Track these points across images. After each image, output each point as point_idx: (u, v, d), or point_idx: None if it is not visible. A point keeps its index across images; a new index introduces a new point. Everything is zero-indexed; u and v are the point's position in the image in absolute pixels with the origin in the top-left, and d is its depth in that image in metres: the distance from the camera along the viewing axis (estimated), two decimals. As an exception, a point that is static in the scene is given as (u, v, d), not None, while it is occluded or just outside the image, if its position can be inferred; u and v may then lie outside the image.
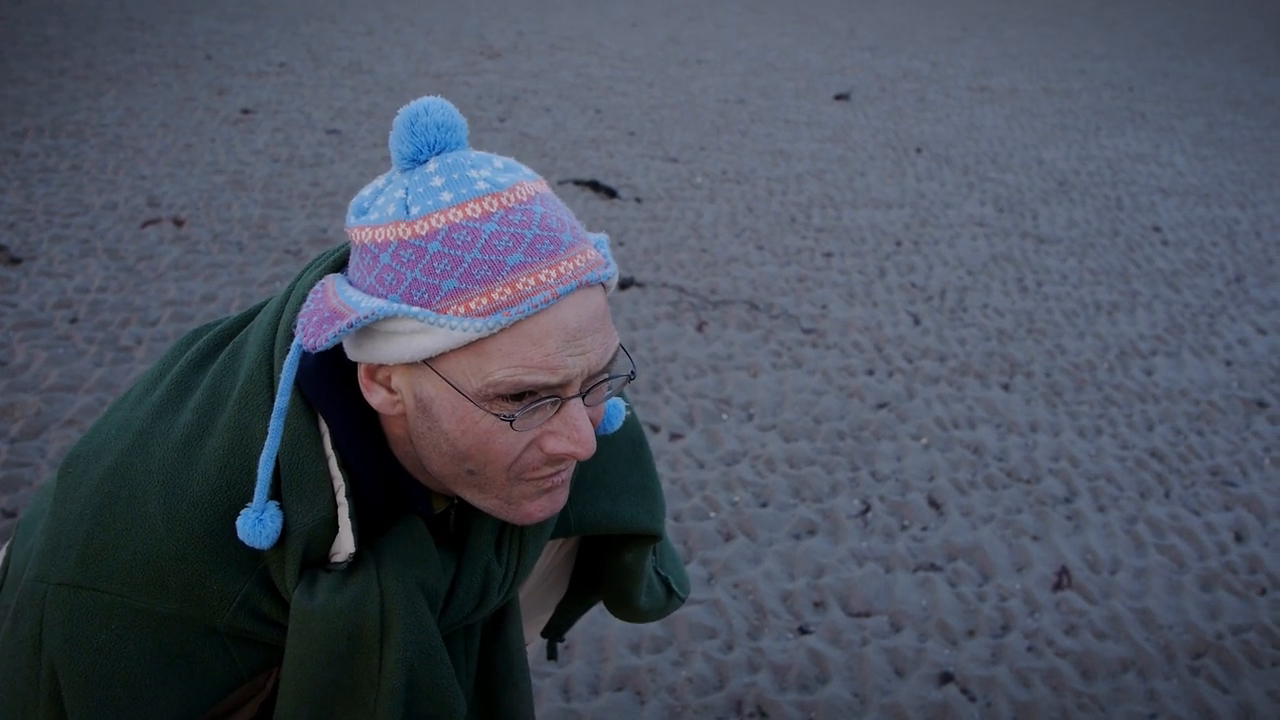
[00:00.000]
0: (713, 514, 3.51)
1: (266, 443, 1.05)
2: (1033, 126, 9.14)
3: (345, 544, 1.08)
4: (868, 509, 3.61)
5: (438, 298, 0.97)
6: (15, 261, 4.76)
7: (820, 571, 3.29)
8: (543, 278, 0.98)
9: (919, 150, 8.01)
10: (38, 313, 4.34)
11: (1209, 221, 7.01)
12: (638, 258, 5.37)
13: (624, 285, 5.02)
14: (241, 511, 1.05)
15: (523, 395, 1.01)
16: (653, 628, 2.98)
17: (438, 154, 1.03)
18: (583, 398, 1.04)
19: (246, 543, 1.05)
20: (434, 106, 1.03)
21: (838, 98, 9.43)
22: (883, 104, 9.39)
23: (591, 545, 1.48)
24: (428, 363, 1.01)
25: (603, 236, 1.12)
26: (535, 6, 12.64)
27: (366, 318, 0.98)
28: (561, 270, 1.00)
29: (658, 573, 1.50)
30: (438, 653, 1.14)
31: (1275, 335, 5.31)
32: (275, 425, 1.05)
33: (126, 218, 5.39)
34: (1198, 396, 4.59)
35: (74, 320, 4.31)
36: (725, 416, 4.08)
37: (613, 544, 1.40)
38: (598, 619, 2.98)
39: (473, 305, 0.97)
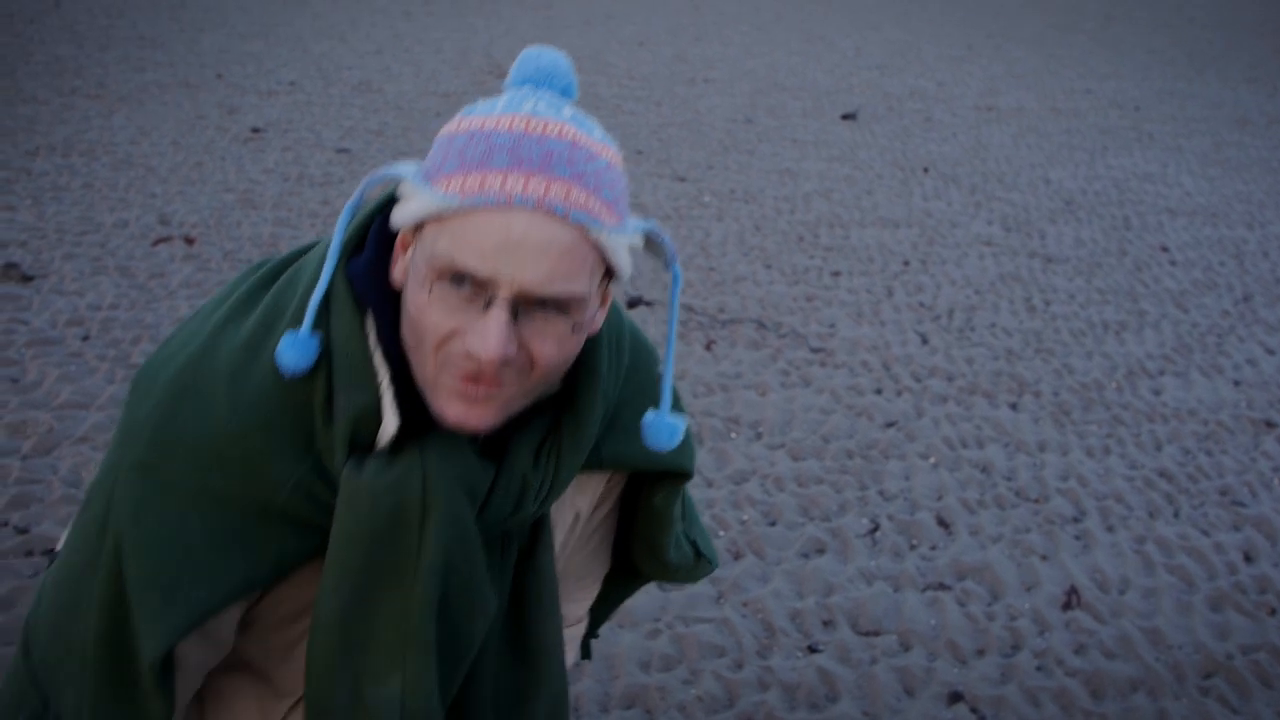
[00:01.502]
0: (721, 533, 3.52)
1: (319, 283, 1.17)
2: (1040, 146, 9.16)
3: (389, 425, 1.16)
4: (876, 528, 3.62)
5: (435, 174, 1.11)
6: (28, 279, 4.79)
7: (829, 590, 3.29)
8: (510, 184, 1.08)
9: (926, 169, 8.03)
10: (50, 330, 4.37)
11: (1217, 241, 7.02)
12: (646, 276, 5.38)
13: (632, 304, 5.03)
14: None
15: (462, 281, 1.09)
16: (662, 645, 2.99)
17: (535, 88, 1.16)
18: (515, 315, 1.10)
19: (281, 364, 1.15)
20: (544, 53, 1.17)
21: (845, 117, 9.46)
22: (890, 123, 9.42)
23: (627, 509, 1.52)
24: (416, 230, 1.13)
25: (650, 223, 1.18)
26: (543, 26, 12.70)
27: (380, 176, 1.14)
28: (532, 188, 1.08)
29: (686, 536, 1.54)
30: (473, 544, 1.20)
31: (1283, 355, 5.32)
32: (328, 265, 1.17)
33: (138, 236, 5.42)
34: (1206, 416, 4.59)
35: (86, 338, 4.33)
36: (734, 435, 4.09)
37: (644, 495, 1.46)
38: (608, 636, 2.99)
39: (451, 185, 1.09)
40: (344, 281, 1.17)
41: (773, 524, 3.58)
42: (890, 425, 4.27)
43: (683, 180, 7.18)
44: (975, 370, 4.80)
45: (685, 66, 10.72)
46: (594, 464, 1.33)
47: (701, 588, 3.22)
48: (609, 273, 1.18)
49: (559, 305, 1.11)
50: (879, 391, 4.53)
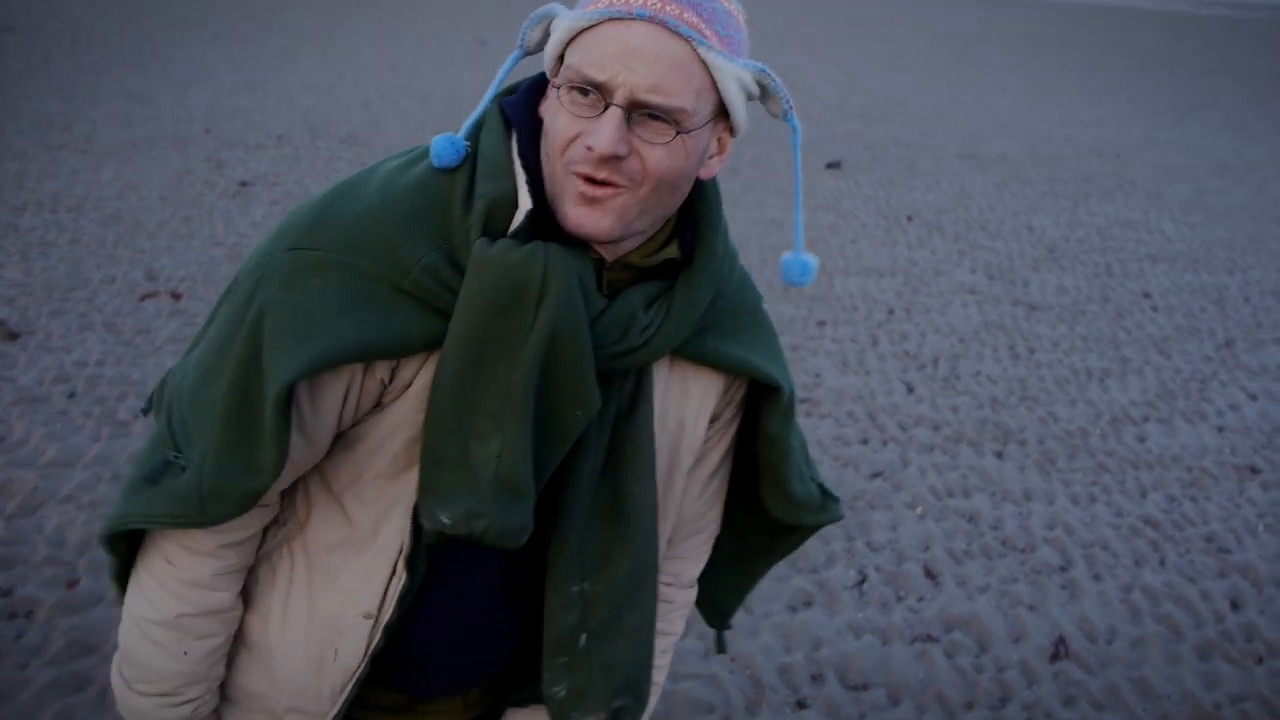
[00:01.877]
0: (709, 586, 3.51)
1: (477, 108, 1.38)
2: (1022, 194, 9.24)
3: (523, 208, 1.32)
4: (864, 579, 3.62)
5: (578, 5, 1.31)
6: (14, 336, 4.79)
7: (817, 644, 3.29)
8: (633, 2, 1.26)
9: (910, 218, 8.10)
10: (36, 388, 4.36)
11: (1198, 287, 7.08)
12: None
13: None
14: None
15: (587, 91, 1.26)
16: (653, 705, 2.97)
17: None
18: (629, 117, 1.25)
19: (435, 154, 1.34)
20: None
21: (829, 166, 9.54)
22: (874, 172, 9.50)
23: (746, 461, 1.61)
24: (559, 64, 1.31)
25: (763, 66, 1.34)
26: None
27: (539, 15, 1.33)
28: (650, 3, 1.26)
29: (811, 476, 1.62)
30: (581, 332, 1.31)
31: (1266, 400, 5.35)
32: (486, 96, 1.39)
33: (125, 291, 5.43)
34: (1190, 463, 4.61)
35: (72, 395, 4.33)
36: (721, 487, 4.09)
37: (760, 425, 1.54)
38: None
39: (587, 7, 1.28)
40: (497, 108, 1.38)
41: (760, 576, 3.58)
42: (877, 475, 4.28)
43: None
44: (961, 419, 4.82)
45: (670, 118, 10.84)
46: (698, 354, 1.45)
47: (688, 643, 3.21)
48: (725, 115, 1.33)
49: (668, 115, 1.25)
50: (865, 441, 4.54)
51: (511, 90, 1.41)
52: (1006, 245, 7.64)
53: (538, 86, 1.39)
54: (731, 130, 1.38)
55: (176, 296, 5.41)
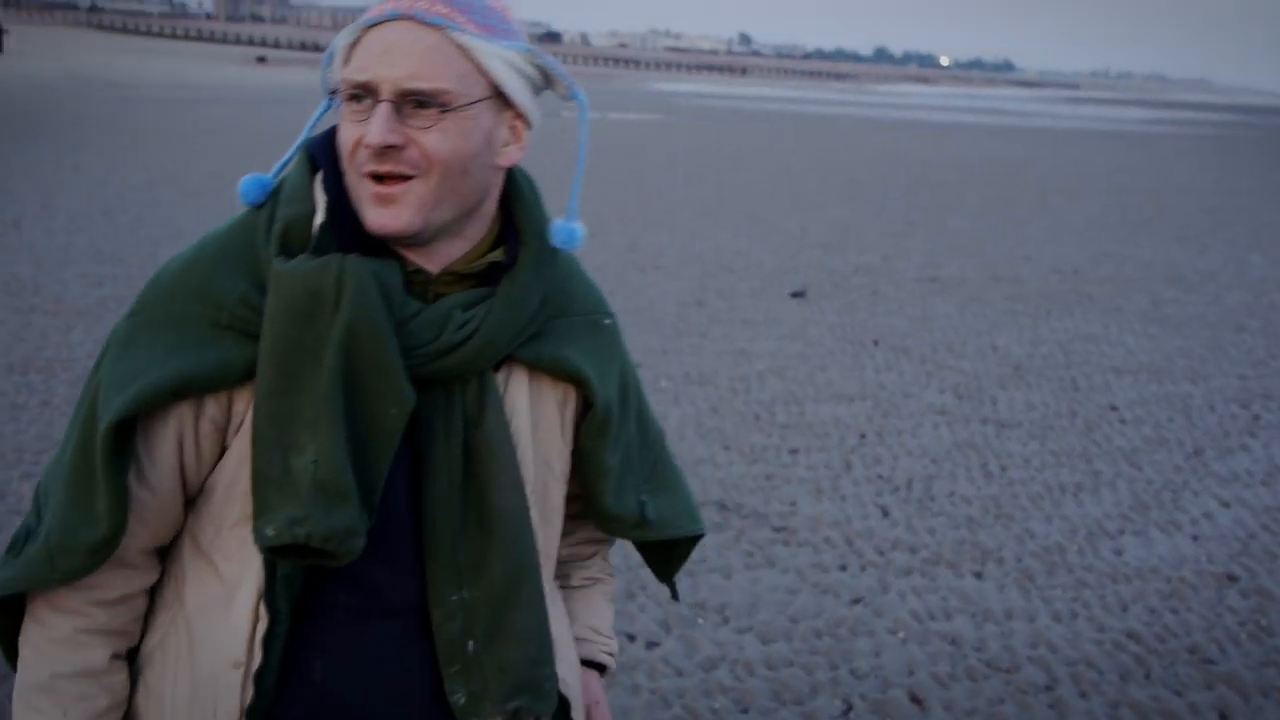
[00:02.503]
0: (694, 723, 3.47)
1: (299, 139, 1.47)
2: (984, 314, 9.39)
3: (318, 220, 1.39)
4: (850, 708, 3.58)
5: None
6: None
7: (806, 777, 3.24)
8: (386, 6, 1.38)
9: (876, 342, 8.21)
10: (6, 552, 4.32)
11: (1163, 398, 7.18)
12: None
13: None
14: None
15: (360, 97, 1.36)
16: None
17: None
18: (399, 110, 1.35)
19: (241, 194, 1.43)
20: None
21: (794, 295, 9.68)
22: (837, 299, 9.65)
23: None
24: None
25: (531, 47, 1.43)
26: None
27: (325, 54, 1.43)
28: (398, 4, 1.37)
29: (636, 494, 1.64)
30: (382, 325, 1.36)
31: (1239, 507, 5.39)
32: (307, 128, 1.48)
33: (96, 451, 5.41)
34: (1169, 574, 4.62)
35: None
36: (701, 621, 4.07)
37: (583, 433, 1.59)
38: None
39: (354, 24, 1.40)
40: (303, 148, 1.46)
41: (745, 710, 3.54)
42: (857, 601, 4.26)
43: (639, 366, 7.28)
44: (938, 540, 4.83)
45: (635, 254, 11.00)
46: (534, 359, 1.50)
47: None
48: (504, 99, 1.41)
49: (434, 98, 1.35)
50: (843, 568, 4.54)
51: (321, 135, 1.50)
52: (973, 365, 7.74)
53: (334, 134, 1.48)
54: (525, 120, 1.45)
55: (148, 453, 5.41)
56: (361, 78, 1.36)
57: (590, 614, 1.77)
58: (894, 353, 7.96)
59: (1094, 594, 4.42)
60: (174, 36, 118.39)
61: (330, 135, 1.46)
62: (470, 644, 1.48)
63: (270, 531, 1.36)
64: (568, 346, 1.52)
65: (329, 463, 1.36)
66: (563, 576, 1.76)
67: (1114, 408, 6.90)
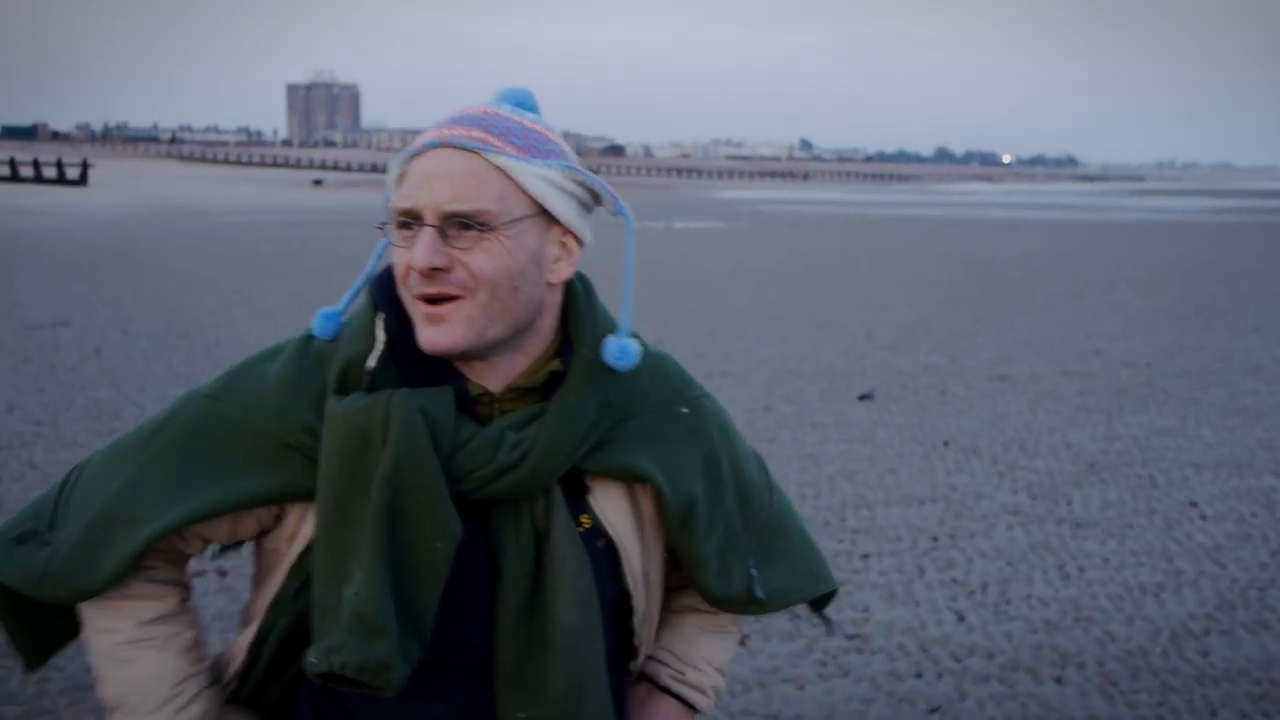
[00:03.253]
0: (769, 840, 3.39)
1: (364, 272, 1.56)
2: (1056, 410, 9.27)
3: (372, 361, 1.45)
4: (929, 823, 3.48)
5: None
6: (63, 624, 4.83)
7: None
8: (426, 137, 1.45)
9: (946, 443, 8.12)
10: (84, 676, 4.37)
11: (1245, 492, 7.00)
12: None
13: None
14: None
15: (408, 225, 1.43)
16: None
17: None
18: (444, 233, 1.40)
19: (314, 327, 1.52)
20: (513, 88, 1.54)
21: (861, 398, 9.64)
22: (906, 400, 9.59)
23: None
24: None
25: (573, 162, 1.48)
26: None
27: (385, 195, 1.49)
28: (437, 133, 1.43)
29: (745, 570, 1.65)
30: (425, 460, 1.40)
31: (1329, 605, 5.21)
32: (372, 261, 1.56)
33: (172, 572, 5.49)
34: (1258, 675, 4.47)
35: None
36: (774, 733, 3.99)
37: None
38: None
39: (398, 157, 1.48)
40: (367, 286, 1.54)
41: (821, 826, 3.46)
42: (934, 710, 4.17)
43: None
44: (1015, 645, 4.72)
45: (702, 361, 11.03)
46: (602, 466, 1.52)
47: None
48: (550, 217, 1.45)
49: (474, 220, 1.40)
50: (919, 675, 4.44)
51: (385, 272, 1.56)
52: (1045, 463, 7.62)
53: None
54: (576, 237, 1.49)
55: (223, 574, 5.47)
56: (406, 204, 1.42)
57: (674, 638, 1.74)
58: (964, 453, 7.86)
59: (1180, 698, 4.28)
60: (250, 164, 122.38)
61: (389, 275, 1.52)
62: None
63: (313, 659, 1.41)
64: (637, 450, 1.53)
65: (367, 595, 1.39)
66: (664, 604, 1.75)
67: (1194, 504, 6.74)
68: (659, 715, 1.69)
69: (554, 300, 1.50)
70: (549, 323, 1.50)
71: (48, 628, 1.61)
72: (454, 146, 1.42)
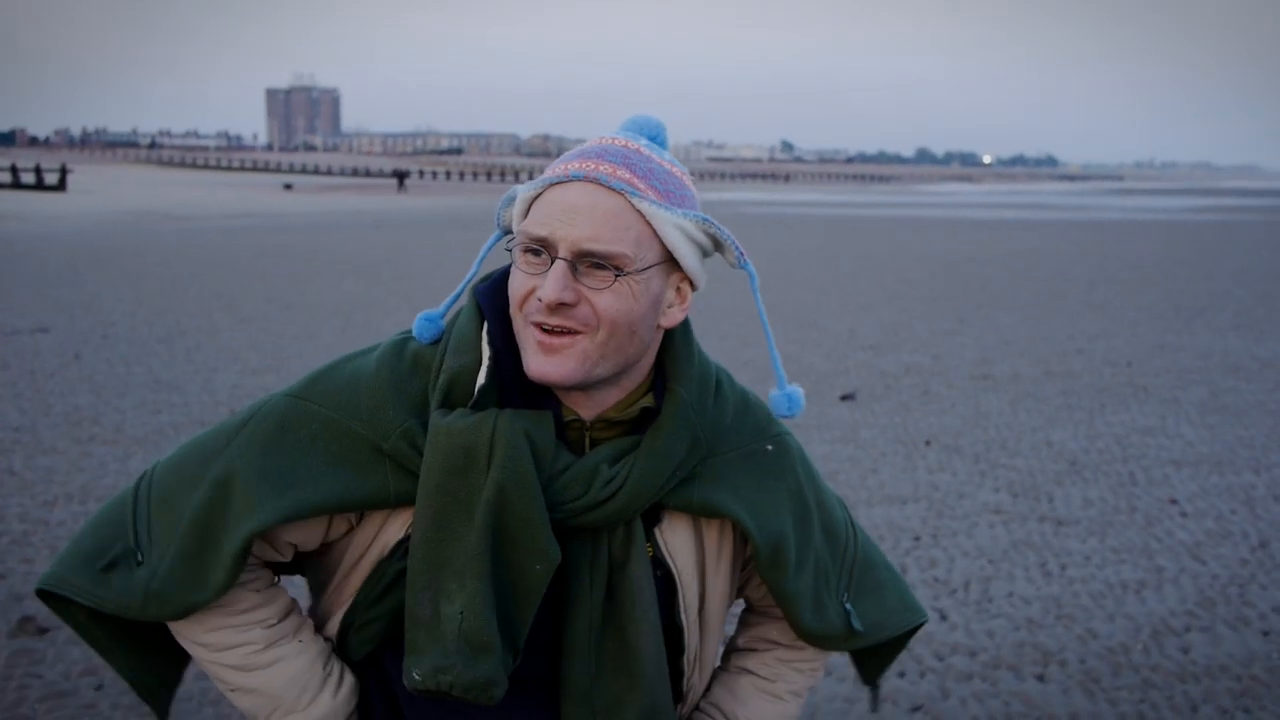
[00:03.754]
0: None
1: (465, 278, 1.55)
2: (1038, 409, 9.30)
3: (480, 379, 1.44)
4: (913, 821, 3.49)
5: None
6: (43, 631, 4.80)
7: None
8: (570, 167, 1.42)
9: (928, 443, 8.14)
10: (63, 682, 4.35)
11: (1225, 489, 7.04)
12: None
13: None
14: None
15: (538, 252, 1.40)
16: None
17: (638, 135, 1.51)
18: (575, 268, 1.39)
19: (415, 330, 1.51)
20: (645, 115, 1.54)
21: (844, 398, 9.66)
22: (889, 400, 9.61)
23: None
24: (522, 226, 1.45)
25: (706, 216, 1.47)
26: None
27: (508, 196, 1.49)
28: (582, 165, 1.41)
29: (840, 604, 1.67)
30: (530, 486, 1.41)
31: (1308, 600, 5.24)
32: (466, 278, 1.55)
33: (152, 577, 5.46)
34: (1239, 671, 4.49)
35: (99, 687, 4.31)
36: (758, 733, 3.99)
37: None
38: None
39: (536, 181, 1.45)
40: (470, 293, 1.53)
41: (805, 826, 3.46)
42: (916, 709, 4.17)
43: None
44: (997, 643, 4.73)
45: (684, 363, 11.02)
46: (683, 504, 1.52)
47: None
48: (678, 266, 1.46)
49: (610, 261, 1.39)
50: (902, 674, 4.45)
51: (487, 278, 1.55)
52: (1027, 462, 7.65)
53: (507, 275, 1.52)
54: (692, 283, 1.50)
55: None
56: (541, 233, 1.40)
57: (726, 696, 1.73)
58: (947, 452, 7.89)
59: (1161, 695, 4.30)
60: (229, 169, 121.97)
61: (496, 282, 1.52)
62: None
63: (417, 675, 1.42)
64: (721, 488, 1.54)
65: (475, 615, 1.40)
66: (722, 663, 1.77)
67: (1174, 501, 6.78)
68: None
69: (658, 340, 1.52)
70: (648, 361, 1.52)
71: (164, 659, 1.58)
72: (600, 184, 1.40)
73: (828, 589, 1.64)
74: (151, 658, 1.56)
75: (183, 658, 1.61)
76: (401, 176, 70.38)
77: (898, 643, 1.77)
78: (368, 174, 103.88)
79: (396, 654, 1.52)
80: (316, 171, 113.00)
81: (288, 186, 71.53)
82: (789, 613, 1.60)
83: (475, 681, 1.40)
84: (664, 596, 1.56)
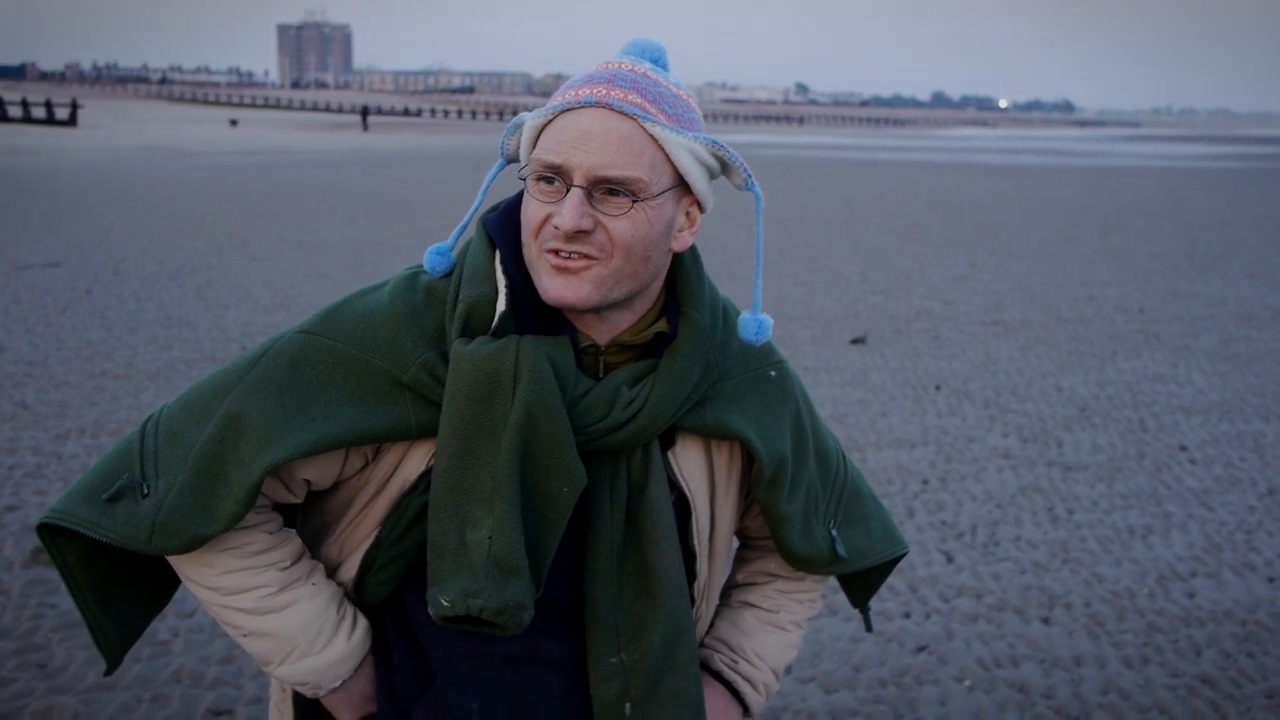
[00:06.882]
0: (757, 775, 3.43)
1: (462, 220, 1.55)
2: (1049, 355, 9.28)
3: (499, 308, 1.44)
4: (915, 759, 3.52)
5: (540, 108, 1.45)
6: (56, 563, 4.85)
7: (871, 829, 3.19)
8: (580, 93, 1.40)
9: (938, 387, 8.14)
10: (76, 612, 4.39)
11: (1234, 437, 7.03)
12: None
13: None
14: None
15: (551, 179, 1.40)
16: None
17: (639, 57, 1.49)
18: (590, 194, 1.38)
19: (426, 264, 1.51)
20: (644, 38, 1.52)
21: (854, 341, 9.64)
22: (898, 345, 9.59)
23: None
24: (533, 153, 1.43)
25: (716, 140, 1.46)
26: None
27: (514, 123, 1.48)
28: (593, 91, 1.40)
29: (827, 532, 1.69)
30: (556, 411, 1.41)
31: (1315, 548, 5.25)
32: (471, 208, 1.55)
33: (164, 511, 5.50)
34: (1243, 617, 4.51)
35: (113, 618, 4.35)
36: (763, 671, 4.02)
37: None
38: None
39: (545, 108, 1.43)
40: (480, 224, 1.52)
41: (808, 762, 3.50)
42: (922, 649, 4.20)
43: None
44: (1003, 586, 4.75)
45: (695, 305, 11.00)
46: (697, 426, 1.54)
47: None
48: (688, 190, 1.46)
49: (625, 187, 1.38)
50: (907, 615, 4.48)
51: (495, 208, 1.55)
52: (1037, 407, 7.64)
53: (516, 204, 1.52)
54: (700, 206, 1.50)
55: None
56: (555, 160, 1.39)
57: (730, 630, 1.75)
58: (956, 397, 7.88)
59: (1166, 639, 4.32)
60: (240, 105, 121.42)
61: (505, 211, 1.51)
62: (627, 706, 1.53)
63: (445, 601, 1.42)
64: (731, 409, 1.56)
65: (504, 539, 1.41)
66: (723, 599, 1.78)
67: (1183, 448, 6.78)
68: (708, 703, 1.68)
69: (668, 263, 1.52)
70: (658, 285, 1.53)
71: (130, 612, 1.58)
72: (612, 109, 1.40)
73: (816, 514, 1.67)
74: (120, 613, 1.56)
75: (149, 617, 1.61)
76: (364, 114, 72.67)
77: (881, 571, 1.80)
78: (379, 112, 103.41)
79: (419, 591, 1.52)
80: (328, 109, 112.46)
81: (233, 122, 73.09)
82: (778, 534, 1.63)
83: (506, 604, 1.40)
84: (678, 522, 1.58)
